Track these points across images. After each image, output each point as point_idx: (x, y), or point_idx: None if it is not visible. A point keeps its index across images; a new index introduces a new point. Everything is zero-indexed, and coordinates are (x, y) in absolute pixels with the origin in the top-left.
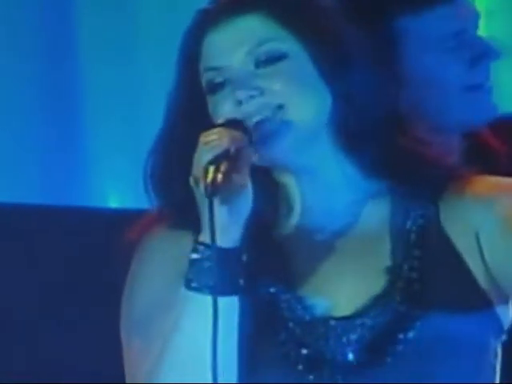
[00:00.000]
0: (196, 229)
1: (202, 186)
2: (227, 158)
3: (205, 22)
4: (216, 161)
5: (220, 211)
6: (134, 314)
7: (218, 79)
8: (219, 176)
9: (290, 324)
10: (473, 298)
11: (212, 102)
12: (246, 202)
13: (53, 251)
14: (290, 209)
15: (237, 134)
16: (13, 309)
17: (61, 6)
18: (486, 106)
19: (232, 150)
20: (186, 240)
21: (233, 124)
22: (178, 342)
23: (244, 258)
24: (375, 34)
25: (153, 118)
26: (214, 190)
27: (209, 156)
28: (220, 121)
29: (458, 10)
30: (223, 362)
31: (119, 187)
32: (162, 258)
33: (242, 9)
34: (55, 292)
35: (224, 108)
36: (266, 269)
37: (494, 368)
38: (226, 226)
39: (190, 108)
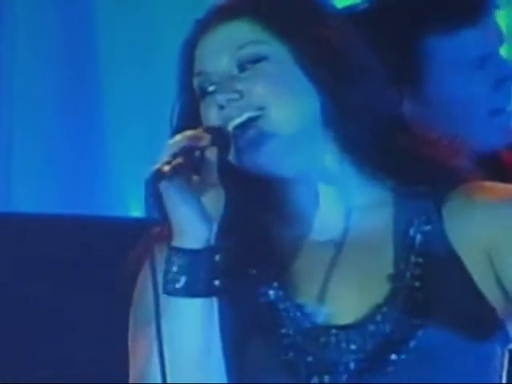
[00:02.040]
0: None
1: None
2: (185, 155)
3: (198, 31)
4: (173, 156)
5: (182, 210)
6: (134, 331)
7: (206, 84)
8: (165, 167)
9: (291, 332)
10: (476, 309)
11: (202, 108)
12: (213, 200)
13: (73, 260)
14: (290, 216)
15: (198, 133)
16: (33, 316)
17: (82, 15)
18: (506, 130)
19: (192, 147)
20: None
21: (210, 129)
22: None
23: (217, 258)
24: (400, 52)
25: None
26: (154, 178)
27: (167, 153)
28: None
29: (485, 33)
30: (200, 362)
31: (141, 195)
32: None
33: (230, 14)
34: (72, 300)
35: (210, 113)
36: (265, 275)
37: (500, 376)
38: (190, 226)
39: (190, 118)
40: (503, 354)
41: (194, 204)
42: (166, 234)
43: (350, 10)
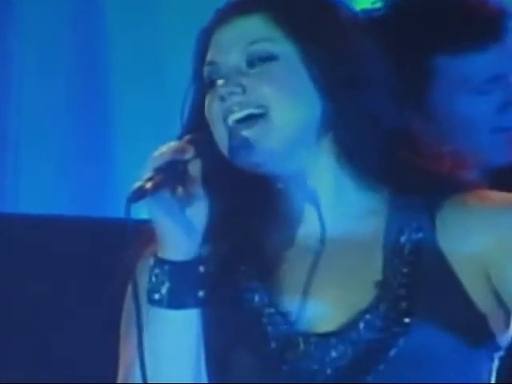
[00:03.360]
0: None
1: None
2: (168, 170)
3: (214, 21)
4: (156, 170)
5: (166, 223)
6: (123, 334)
7: (214, 75)
8: (148, 184)
9: (271, 338)
10: (465, 316)
11: (207, 98)
12: (197, 212)
13: (84, 262)
14: (279, 218)
15: (182, 146)
16: (38, 316)
17: (92, 18)
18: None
19: (177, 161)
20: None
21: (194, 140)
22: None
23: (201, 269)
24: (411, 66)
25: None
26: (135, 196)
27: (150, 167)
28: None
29: (497, 56)
30: (182, 371)
31: None
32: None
33: (247, 9)
34: (78, 301)
35: (212, 104)
36: (252, 280)
37: None
38: (175, 238)
39: (199, 106)
40: (492, 362)
41: (177, 216)
42: (155, 242)
43: (363, 16)
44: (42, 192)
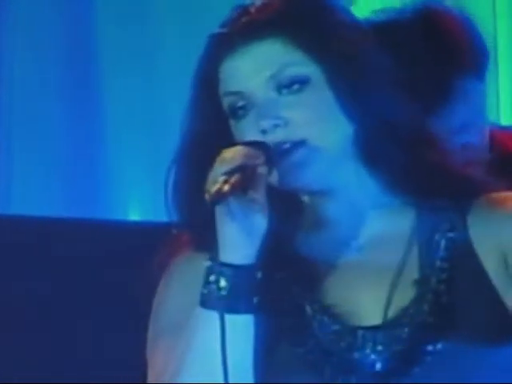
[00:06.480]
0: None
1: (207, 196)
2: (240, 173)
3: (221, 47)
4: (228, 173)
5: (231, 227)
6: (155, 337)
7: (240, 103)
8: (225, 187)
9: (318, 333)
10: (496, 315)
11: (237, 128)
12: (260, 219)
13: (74, 264)
14: (317, 224)
15: (253, 151)
16: (33, 317)
17: (83, 18)
18: None
19: (247, 165)
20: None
21: (254, 144)
22: (191, 362)
23: (259, 275)
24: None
25: (175, 131)
26: (217, 198)
27: (221, 170)
28: (242, 142)
29: None
30: (235, 379)
31: (140, 199)
32: (185, 282)
33: (259, 33)
34: (74, 303)
35: (250, 136)
36: (294, 278)
37: None
38: (238, 242)
39: (207, 131)
40: None
41: (242, 221)
42: (186, 243)
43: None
44: (33, 193)
